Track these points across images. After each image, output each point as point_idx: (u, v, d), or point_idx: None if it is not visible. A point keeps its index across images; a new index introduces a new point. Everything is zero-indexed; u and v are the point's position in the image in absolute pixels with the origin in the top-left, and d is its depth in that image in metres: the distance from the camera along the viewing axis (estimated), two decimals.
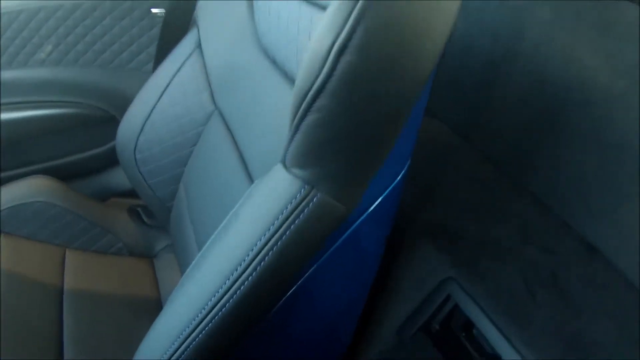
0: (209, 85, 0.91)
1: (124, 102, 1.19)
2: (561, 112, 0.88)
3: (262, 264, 0.51)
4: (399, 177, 0.65)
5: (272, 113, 0.69)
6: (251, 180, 0.69)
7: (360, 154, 0.50)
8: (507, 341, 0.79)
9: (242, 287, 0.53)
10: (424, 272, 0.88)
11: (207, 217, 0.81)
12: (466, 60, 1.02)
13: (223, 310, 0.54)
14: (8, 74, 1.23)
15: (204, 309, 0.55)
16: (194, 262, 0.61)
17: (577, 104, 0.85)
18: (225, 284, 0.53)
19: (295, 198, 0.50)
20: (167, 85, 0.96)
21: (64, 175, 1.17)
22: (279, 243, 0.51)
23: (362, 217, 0.62)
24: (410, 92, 0.46)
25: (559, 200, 0.90)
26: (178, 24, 1.16)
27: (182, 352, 0.58)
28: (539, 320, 0.79)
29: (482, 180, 0.98)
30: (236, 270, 0.52)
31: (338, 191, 0.50)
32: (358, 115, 0.46)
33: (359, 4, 0.41)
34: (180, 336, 0.58)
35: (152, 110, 0.97)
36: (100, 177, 1.34)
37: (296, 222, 0.50)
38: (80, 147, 1.31)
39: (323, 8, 0.61)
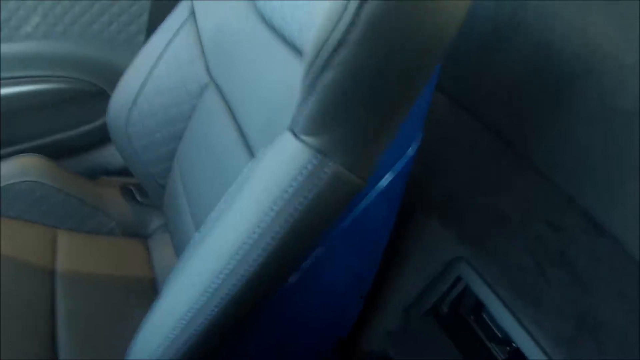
0: (203, 55, 0.87)
1: (115, 76, 1.14)
2: (567, 81, 0.85)
3: (270, 241, 0.48)
4: (410, 149, 0.62)
5: (272, 83, 0.65)
6: (251, 154, 0.65)
7: (378, 118, 0.45)
8: (518, 322, 0.76)
9: (248, 267, 0.49)
10: (432, 251, 0.85)
11: (204, 194, 0.77)
12: (466, 26, 0.98)
13: (228, 292, 0.50)
14: None
15: (207, 290, 0.51)
16: (192, 242, 0.58)
17: (584, 72, 0.81)
18: (229, 263, 0.49)
19: (306, 168, 0.45)
20: (160, 56, 0.92)
21: (54, 153, 1.13)
22: (289, 218, 0.47)
23: (373, 192, 0.59)
24: (435, 49, 0.42)
25: (563, 174, 0.87)
26: None
27: (187, 337, 0.54)
28: (549, 299, 0.77)
29: (484, 152, 0.95)
30: (242, 248, 0.48)
31: (353, 161, 0.46)
32: (380, 70, 0.42)
33: None
34: (183, 320, 0.54)
35: (144, 82, 0.93)
36: (91, 154, 1.29)
37: (308, 194, 0.46)
38: (70, 123, 1.26)
39: None
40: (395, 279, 0.88)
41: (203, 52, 0.87)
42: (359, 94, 0.43)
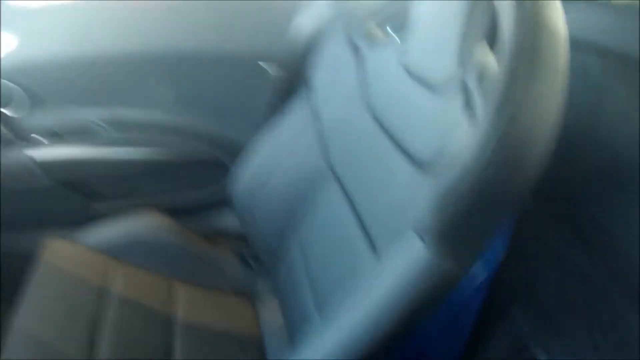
0: (321, 142, 1.00)
1: (233, 149, 1.30)
2: (632, 184, 0.94)
3: (390, 323, 0.60)
4: (500, 256, 0.72)
5: (386, 180, 0.77)
6: (368, 237, 0.77)
7: (481, 233, 0.59)
8: None
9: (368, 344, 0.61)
10: (510, 333, 0.93)
11: (323, 267, 0.89)
12: None
13: None
14: (128, 113, 1.36)
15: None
16: (314, 319, 0.69)
17: None
18: (360, 340, 0.61)
19: (428, 265, 0.58)
20: (286, 141, 1.05)
21: (172, 210, 1.28)
22: (406, 305, 0.59)
23: (469, 286, 0.69)
24: (529, 186, 0.55)
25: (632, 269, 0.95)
26: (288, 80, 1.25)
27: None
28: None
29: (557, 244, 1.04)
30: (370, 329, 0.61)
31: (461, 261, 0.58)
32: (486, 206, 0.55)
33: (500, 130, 0.51)
34: None
35: (272, 163, 1.06)
36: (208, 215, 1.44)
37: (424, 286, 0.58)
38: (188, 186, 1.42)
39: (431, 88, 0.70)
40: None
41: (320, 139, 1.00)
42: (476, 220, 0.56)
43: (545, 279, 0.99)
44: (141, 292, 1.08)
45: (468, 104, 0.62)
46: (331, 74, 1.02)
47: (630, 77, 0.96)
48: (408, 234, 0.61)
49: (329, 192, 0.95)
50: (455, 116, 0.62)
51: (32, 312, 0.95)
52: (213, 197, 1.41)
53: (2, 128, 1.27)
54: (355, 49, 0.95)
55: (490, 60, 0.64)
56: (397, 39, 0.83)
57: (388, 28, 1.00)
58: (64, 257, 1.10)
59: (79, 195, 1.37)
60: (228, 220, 1.35)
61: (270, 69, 1.32)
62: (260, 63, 1.33)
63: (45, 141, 1.32)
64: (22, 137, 1.30)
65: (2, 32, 1.26)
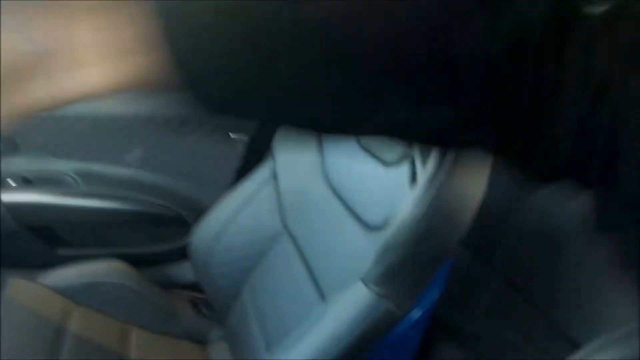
0: (280, 208, 1.13)
1: (196, 209, 1.40)
2: (564, 240, 1.10)
3: (336, 356, 0.73)
4: (437, 294, 0.87)
5: (340, 242, 0.91)
6: (319, 289, 0.90)
7: (418, 278, 0.74)
8: None
9: None
10: None
11: (276, 316, 1.00)
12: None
13: None
14: (100, 168, 1.47)
15: None
16: (276, 354, 0.80)
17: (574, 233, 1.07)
18: None
19: (370, 305, 0.72)
20: (245, 203, 1.17)
21: (135, 262, 1.36)
22: (351, 341, 0.73)
23: (405, 323, 0.83)
24: (457, 238, 0.71)
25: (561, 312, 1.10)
26: (257, 152, 1.38)
27: None
28: None
29: (495, 293, 1.19)
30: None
31: (401, 301, 0.73)
32: (424, 256, 0.72)
33: (435, 189, 0.68)
34: None
35: (228, 222, 1.18)
36: (167, 269, 1.52)
37: (368, 324, 0.73)
38: (152, 240, 1.51)
39: (384, 164, 0.85)
40: None
41: (280, 205, 1.12)
42: (407, 268, 0.73)
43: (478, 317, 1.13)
44: (96, 334, 1.14)
45: (413, 175, 0.77)
46: (293, 147, 1.16)
47: None
48: (354, 283, 0.75)
49: (283, 248, 1.08)
50: (403, 187, 0.77)
51: None
52: (173, 251, 1.50)
53: None
54: None
55: None
56: None
57: None
58: (25, 296, 1.16)
59: (44, 240, 1.44)
60: (185, 273, 1.44)
61: (240, 139, 1.44)
62: (231, 135, 1.45)
63: (16, 185, 1.40)
64: None
65: None
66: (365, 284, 0.73)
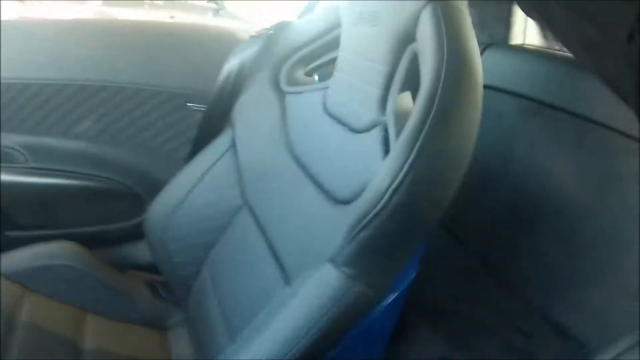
0: (240, 180, 1.04)
1: (152, 183, 1.31)
2: (539, 218, 1.05)
3: (306, 344, 0.64)
4: (410, 276, 0.79)
5: (302, 215, 0.82)
6: (282, 269, 0.81)
7: (394, 258, 0.66)
8: None
9: None
10: (422, 349, 1.01)
11: (236, 298, 0.92)
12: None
13: None
14: (47, 141, 1.35)
15: None
16: (230, 349, 0.72)
17: (551, 211, 1.02)
18: None
19: (341, 289, 0.64)
20: (202, 176, 1.08)
21: (88, 242, 1.26)
22: (322, 326, 0.64)
23: (380, 306, 0.75)
24: (437, 216, 0.63)
25: (533, 288, 1.06)
26: (215, 120, 1.29)
27: None
28: None
29: (468, 272, 1.14)
30: (284, 349, 0.65)
31: (372, 285, 0.65)
32: (401, 232, 0.62)
33: (411, 158, 0.59)
34: None
35: (185, 196, 1.08)
36: (123, 248, 1.43)
37: (339, 307, 0.64)
38: (105, 218, 1.42)
39: (352, 130, 0.76)
40: None
41: (240, 177, 1.04)
42: (383, 247, 0.64)
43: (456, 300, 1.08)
44: (49, 321, 1.05)
45: (385, 143, 0.68)
46: (254, 114, 1.07)
47: (544, 120, 1.08)
48: (322, 264, 0.66)
49: (243, 224, 0.99)
50: (375, 155, 0.68)
51: None
52: (128, 229, 1.41)
53: None
54: (280, 92, 1.00)
55: (410, 106, 0.71)
56: (323, 85, 0.89)
57: (315, 75, 1.07)
58: None
59: None
60: (142, 253, 1.35)
61: (197, 108, 1.35)
62: (188, 104, 1.36)
63: None
64: None
65: None
66: (335, 265, 0.65)
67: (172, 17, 2.48)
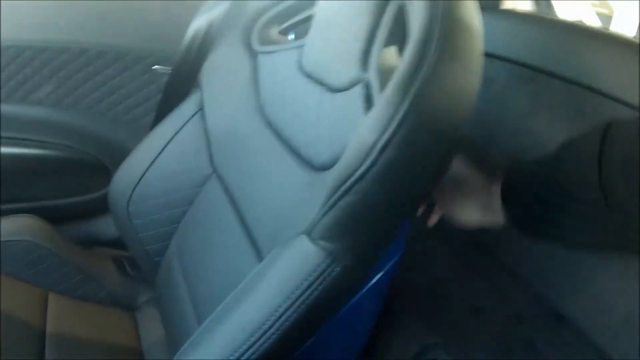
0: (209, 148, 0.96)
1: (116, 153, 1.23)
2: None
3: (280, 329, 0.57)
4: (396, 256, 0.72)
5: (277, 185, 0.74)
6: (254, 244, 0.74)
7: (380, 233, 0.58)
8: None
9: (256, 352, 0.57)
10: (410, 336, 0.95)
11: (205, 278, 0.84)
12: None
13: None
14: (5, 108, 1.26)
15: None
16: (200, 330, 0.64)
17: None
18: (244, 345, 0.58)
19: (319, 267, 0.55)
20: (167, 143, 1.00)
21: (51, 217, 1.18)
22: (300, 307, 0.56)
23: (365, 287, 0.68)
24: (432, 181, 0.55)
25: (533, 274, 1.00)
26: (181, 83, 1.21)
27: None
28: None
29: (460, 252, 1.07)
30: (256, 332, 0.57)
31: (356, 263, 0.57)
32: (389, 199, 0.54)
33: (403, 109, 0.50)
34: None
35: (150, 165, 1.00)
36: (87, 223, 1.35)
37: (317, 287, 0.56)
38: (69, 191, 1.33)
39: (331, 90, 0.68)
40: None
41: (209, 144, 0.96)
42: (368, 216, 0.55)
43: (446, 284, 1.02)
44: (10, 303, 0.98)
45: (368, 99, 0.60)
46: (224, 75, 0.98)
47: (539, 87, 1.01)
48: (297, 237, 0.58)
49: (212, 196, 0.91)
50: (357, 114, 0.60)
51: None
52: (95, 203, 1.33)
53: None
54: (252, 52, 0.92)
55: (396, 62, 0.63)
56: (298, 43, 0.81)
57: (292, 35, 0.98)
58: None
59: None
60: (109, 228, 1.28)
61: (163, 70, 1.26)
62: (154, 67, 1.27)
63: None
64: None
65: None
66: (311, 239, 0.57)
67: None
